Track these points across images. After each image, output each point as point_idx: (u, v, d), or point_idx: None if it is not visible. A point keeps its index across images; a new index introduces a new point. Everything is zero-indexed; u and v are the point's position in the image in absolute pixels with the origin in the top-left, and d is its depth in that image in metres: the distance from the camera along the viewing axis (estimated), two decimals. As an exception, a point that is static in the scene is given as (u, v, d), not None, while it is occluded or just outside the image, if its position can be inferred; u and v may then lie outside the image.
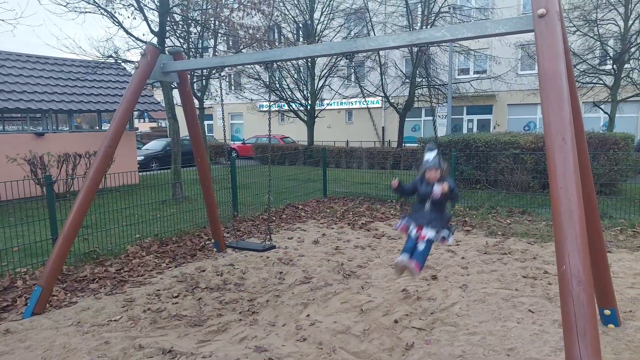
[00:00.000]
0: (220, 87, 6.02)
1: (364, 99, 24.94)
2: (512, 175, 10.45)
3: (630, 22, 15.75)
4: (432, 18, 20.62)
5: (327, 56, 14.07)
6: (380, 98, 25.06)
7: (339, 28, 22.68)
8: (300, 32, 23.14)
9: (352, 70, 19.73)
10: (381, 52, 21.89)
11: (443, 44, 20.75)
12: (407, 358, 3.65)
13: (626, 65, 16.57)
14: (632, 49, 16.05)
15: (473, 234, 7.60)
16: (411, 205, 4.26)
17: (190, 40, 13.77)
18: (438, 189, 3.82)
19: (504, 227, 7.94)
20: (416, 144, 17.51)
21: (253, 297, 4.98)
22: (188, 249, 6.84)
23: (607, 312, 4.02)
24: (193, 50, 14.08)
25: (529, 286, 5.06)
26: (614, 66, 16.55)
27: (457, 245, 6.87)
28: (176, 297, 5.00)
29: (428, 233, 3.80)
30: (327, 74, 22.41)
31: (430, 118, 27.65)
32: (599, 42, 16.65)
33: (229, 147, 25.73)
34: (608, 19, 16.20)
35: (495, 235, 7.46)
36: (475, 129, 27.13)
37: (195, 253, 6.69)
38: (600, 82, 17.13)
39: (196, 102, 15.18)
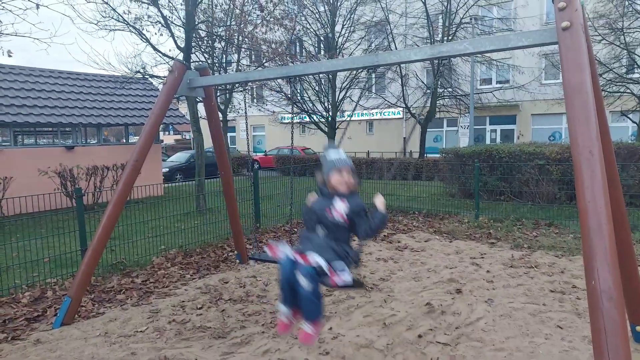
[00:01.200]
0: (245, 100, 6.12)
1: (387, 109, 24.91)
2: (537, 186, 10.26)
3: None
4: (454, 29, 20.56)
5: (349, 70, 14.19)
6: (401, 109, 25.01)
7: (360, 40, 22.82)
8: (322, 45, 23.38)
9: (373, 82, 19.84)
10: (402, 64, 21.91)
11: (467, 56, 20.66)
12: (431, 374, 3.60)
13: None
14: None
15: (498, 246, 7.48)
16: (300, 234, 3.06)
17: (214, 54, 14.10)
18: (341, 206, 2.77)
19: (530, 239, 7.78)
20: (438, 155, 17.35)
21: (276, 310, 5.00)
22: (211, 260, 6.93)
23: (639, 328, 3.90)
24: (217, 64, 14.39)
25: (557, 301, 4.94)
26: (643, 74, 16.17)
27: (482, 258, 6.77)
28: (200, 308, 5.06)
29: (315, 259, 2.70)
30: (348, 86, 22.54)
31: (453, 128, 27.42)
32: (625, 51, 16.31)
33: (251, 159, 26.04)
34: (635, 27, 15.88)
35: (521, 248, 7.32)
36: (498, 140, 26.76)
37: (219, 264, 6.77)
38: (628, 91, 16.74)
39: (220, 114, 15.45)
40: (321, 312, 2.75)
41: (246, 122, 5.64)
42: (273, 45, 13.16)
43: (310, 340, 2.74)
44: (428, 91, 22.50)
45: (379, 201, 2.93)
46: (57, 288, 5.59)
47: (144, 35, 11.57)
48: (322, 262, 2.69)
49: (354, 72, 21.84)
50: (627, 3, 16.20)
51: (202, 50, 13.87)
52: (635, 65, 16.78)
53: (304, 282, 2.64)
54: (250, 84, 19.26)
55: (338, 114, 23.26)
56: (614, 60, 16.58)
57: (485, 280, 5.73)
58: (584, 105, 2.84)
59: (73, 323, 4.66)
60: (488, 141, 26.76)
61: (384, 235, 8.40)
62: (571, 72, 2.95)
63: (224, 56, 14.88)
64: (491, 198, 10.85)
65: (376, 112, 28.36)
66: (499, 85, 25.47)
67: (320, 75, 22.05)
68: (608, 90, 16.50)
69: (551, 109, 23.22)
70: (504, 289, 5.38)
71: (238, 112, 22.66)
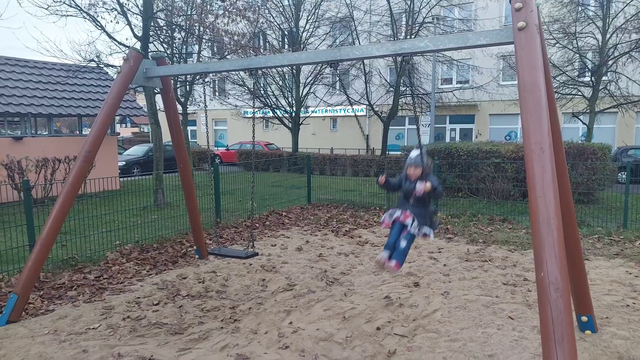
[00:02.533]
0: (204, 93, 5.98)
1: (350, 107, 25.08)
2: (493, 183, 10.61)
3: (608, 35, 16.23)
4: (416, 28, 20.91)
5: (312, 64, 14.17)
6: (364, 106, 25.25)
7: (324, 36, 22.83)
8: (286, 40, 23.23)
9: (337, 78, 19.88)
10: (366, 61, 22.12)
11: (426, 54, 21.02)
12: (389, 365, 3.66)
13: (604, 78, 17.04)
14: (609, 62, 16.52)
15: (455, 241, 7.68)
16: (398, 200, 4.35)
17: (174, 45, 13.71)
18: (420, 187, 3.92)
19: (485, 234, 8.04)
20: (400, 152, 17.64)
21: (235, 305, 4.93)
22: (169, 255, 6.76)
23: (584, 318, 4.10)
24: (177, 55, 14.01)
25: (509, 293, 5.13)
26: (592, 78, 17.02)
27: (439, 252, 6.94)
28: (156, 304, 4.92)
29: (412, 223, 3.93)
30: (312, 82, 22.50)
31: (414, 126, 27.93)
32: (578, 55, 17.10)
33: (212, 153, 25.57)
34: (587, 32, 16.66)
35: (476, 242, 7.55)
36: (457, 138, 27.50)
37: (177, 260, 6.61)
38: (579, 93, 17.58)
39: (180, 107, 15.08)
40: (404, 260, 3.95)
41: (205, 116, 5.52)
42: (235, 38, 12.94)
43: (396, 269, 3.92)
44: (391, 89, 22.81)
45: (429, 183, 3.88)
46: (3, 285, 5.29)
47: (99, 22, 11.10)
48: (415, 230, 3.92)
49: (318, 67, 21.84)
50: (579, 9, 16.98)
51: (161, 40, 13.47)
52: (586, 69, 17.63)
53: (404, 241, 3.89)
54: (211, 76, 18.89)
55: (302, 109, 23.22)
56: (566, 64, 17.35)
57: (442, 273, 5.88)
58: (536, 103, 2.94)
59: (20, 321, 4.43)
60: (448, 140, 27.45)
61: (346, 230, 8.47)
62: (526, 71, 3.04)
63: (184, 47, 14.50)
64: (450, 194, 11.14)
65: (340, 109, 28.51)
66: (459, 85, 26.16)
67: (284, 69, 21.92)
68: (561, 92, 17.25)
69: (508, 109, 24.06)
70: (460, 282, 5.54)
71: (199, 105, 22.18)
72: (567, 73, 17.24)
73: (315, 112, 26.27)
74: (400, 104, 22.35)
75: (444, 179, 11.13)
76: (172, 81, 6.50)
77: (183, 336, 4.18)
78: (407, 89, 22.23)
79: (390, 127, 23.06)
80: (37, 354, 3.77)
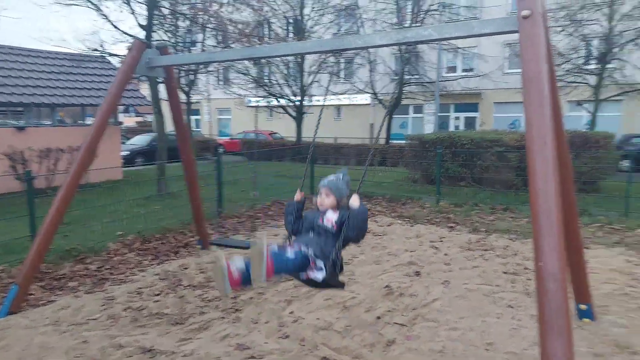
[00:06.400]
0: (208, 82, 5.96)
1: (355, 96, 24.95)
2: (496, 172, 10.55)
3: (614, 22, 15.99)
4: (422, 16, 20.68)
5: (316, 53, 14.03)
6: (369, 95, 25.09)
7: (329, 24, 22.61)
8: (290, 28, 23.03)
9: (342, 67, 19.79)
10: (370, 50, 21.91)
11: (431, 43, 20.81)
12: (387, 354, 3.67)
13: (609, 65, 16.83)
14: (615, 49, 16.30)
15: (457, 230, 7.67)
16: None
17: (178, 34, 13.64)
18: (332, 215, 3.04)
19: (487, 223, 8.02)
20: (404, 141, 17.56)
21: (236, 295, 4.95)
22: (171, 246, 6.78)
23: (582, 307, 4.12)
24: (181, 44, 13.95)
25: (509, 282, 5.13)
26: (598, 66, 16.81)
27: (441, 241, 6.93)
28: (158, 295, 4.95)
29: (303, 248, 2.90)
30: (316, 70, 22.35)
31: (419, 115, 27.79)
32: (583, 42, 16.88)
33: (215, 143, 25.54)
34: (593, 20, 16.41)
35: (478, 231, 7.53)
36: (462, 127, 27.30)
37: (179, 250, 6.63)
38: (585, 81, 17.38)
39: (183, 96, 15.02)
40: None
41: (209, 105, 5.50)
42: (240, 26, 12.85)
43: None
44: (395, 78, 22.64)
45: (353, 199, 3.09)
46: (5, 275, 5.34)
47: (103, 11, 11.05)
48: (309, 252, 2.88)
49: (323, 56, 21.67)
50: (586, -4, 16.71)
51: (165, 29, 13.38)
52: (592, 57, 17.41)
53: (293, 254, 2.86)
54: (215, 65, 18.78)
55: (306, 98, 23.11)
56: (572, 51, 17.13)
57: (443, 262, 5.88)
58: (539, 93, 2.90)
59: (21, 312, 4.46)
60: (452, 128, 27.27)
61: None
62: (529, 61, 2.99)
63: (189, 36, 14.43)
64: (452, 184, 11.10)
65: (344, 98, 28.36)
66: (463, 74, 25.90)
67: (289, 58, 21.77)
68: (565, 80, 17.05)
69: (512, 98, 23.82)
70: (460, 271, 5.54)
71: (202, 94, 22.11)
72: (572, 61, 17.03)
73: (319, 100, 26.15)
74: (405, 93, 22.19)
75: (447, 168, 11.06)
76: (175, 71, 6.47)
77: (184, 326, 4.21)
78: (412, 77, 22.08)
79: (394, 116, 22.93)
80: (39, 344, 3.80)
